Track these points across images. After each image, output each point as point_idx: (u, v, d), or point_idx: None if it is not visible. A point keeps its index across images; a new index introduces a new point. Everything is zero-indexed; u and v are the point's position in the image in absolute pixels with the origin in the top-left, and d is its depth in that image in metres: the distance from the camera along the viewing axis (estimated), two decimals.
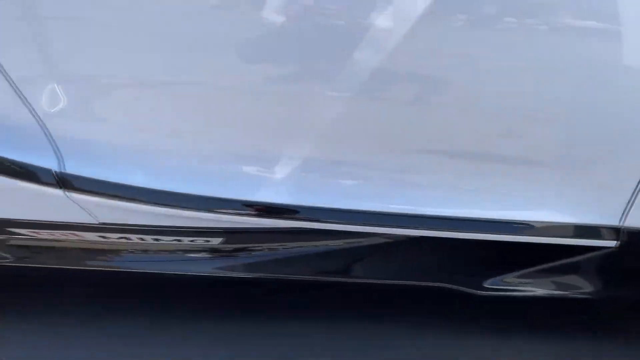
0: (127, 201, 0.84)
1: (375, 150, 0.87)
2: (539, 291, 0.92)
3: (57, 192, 0.83)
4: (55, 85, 0.82)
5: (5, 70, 0.79)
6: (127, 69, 0.82)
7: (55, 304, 1.11)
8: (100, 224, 0.89)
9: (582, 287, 0.93)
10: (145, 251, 0.98)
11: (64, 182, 0.83)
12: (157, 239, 0.95)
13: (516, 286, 0.92)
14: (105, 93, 0.86)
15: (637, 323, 1.07)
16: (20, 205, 0.87)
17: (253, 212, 0.88)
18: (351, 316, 1.09)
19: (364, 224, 0.89)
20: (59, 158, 0.83)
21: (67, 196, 0.84)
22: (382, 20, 0.76)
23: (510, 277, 0.91)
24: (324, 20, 0.77)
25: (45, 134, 0.83)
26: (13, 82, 0.80)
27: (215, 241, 0.96)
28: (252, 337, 1.04)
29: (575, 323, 1.09)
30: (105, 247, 0.98)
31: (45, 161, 0.82)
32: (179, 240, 0.95)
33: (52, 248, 0.98)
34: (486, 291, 0.90)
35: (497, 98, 0.82)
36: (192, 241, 0.96)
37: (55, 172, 0.82)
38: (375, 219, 0.89)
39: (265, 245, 0.98)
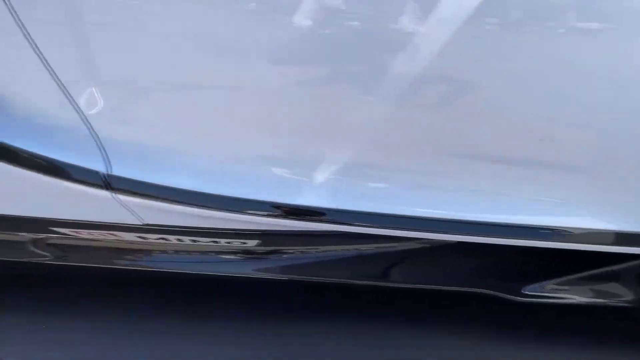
0: (172, 203, 0.85)
1: (406, 153, 0.87)
2: (579, 299, 0.92)
3: (105, 193, 0.84)
4: (102, 88, 0.84)
5: (54, 73, 0.81)
6: (166, 73, 0.83)
7: (76, 302, 1.14)
8: (144, 225, 0.90)
9: (623, 295, 0.92)
10: (177, 252, 0.99)
11: (112, 183, 0.84)
12: (194, 240, 0.96)
13: (556, 293, 0.91)
14: (148, 96, 0.87)
15: None
16: (66, 206, 0.89)
17: (280, 214, 0.88)
18: (352, 317, 1.10)
19: (392, 227, 0.89)
20: (106, 160, 0.84)
21: (115, 198, 0.85)
22: (409, 25, 0.76)
23: (550, 284, 0.91)
24: (353, 24, 0.78)
25: (92, 135, 0.84)
26: (62, 84, 0.81)
27: (251, 243, 0.97)
28: (252, 338, 1.05)
29: (579, 325, 1.09)
30: (143, 247, 0.99)
31: (93, 163, 0.84)
32: (215, 242, 0.96)
33: (90, 247, 0.99)
34: (525, 298, 0.90)
35: (530, 102, 0.81)
36: (228, 243, 0.97)
37: (103, 174, 0.84)
38: (404, 222, 0.88)
39: (298, 248, 0.98)
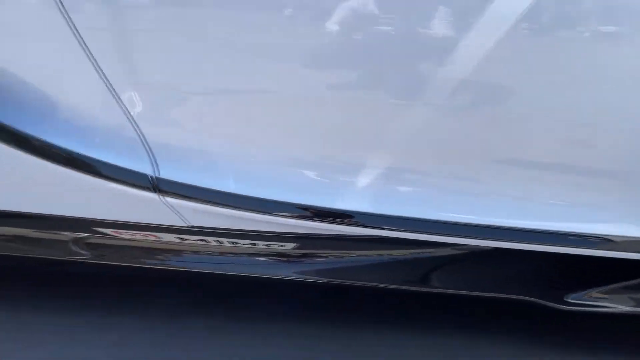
0: (217, 206, 0.86)
1: (438, 158, 0.87)
2: (623, 307, 0.91)
3: (152, 195, 0.86)
4: (150, 92, 0.85)
5: (105, 76, 0.82)
6: (207, 78, 0.84)
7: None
8: (190, 226, 0.91)
9: None
10: (214, 253, 1.00)
11: (160, 186, 0.86)
12: (233, 242, 0.97)
13: (600, 302, 0.91)
14: (192, 101, 0.88)
15: None
16: (113, 207, 0.91)
17: (309, 215, 0.89)
18: (355, 319, 1.11)
19: (421, 232, 0.89)
20: (153, 163, 0.86)
21: (162, 200, 0.86)
22: (447, 30, 0.76)
23: (594, 293, 0.90)
24: (386, 29, 0.77)
25: (140, 138, 0.86)
26: (111, 87, 0.83)
27: (289, 246, 0.98)
28: (254, 340, 1.06)
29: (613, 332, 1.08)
30: (180, 248, 1.00)
31: (141, 165, 0.85)
32: (254, 244, 0.97)
33: (127, 247, 1.01)
34: (569, 306, 0.89)
35: (566, 107, 0.81)
36: (266, 245, 0.97)
37: (152, 176, 0.85)
38: (434, 227, 0.88)
39: (334, 252, 0.99)
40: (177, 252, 1.02)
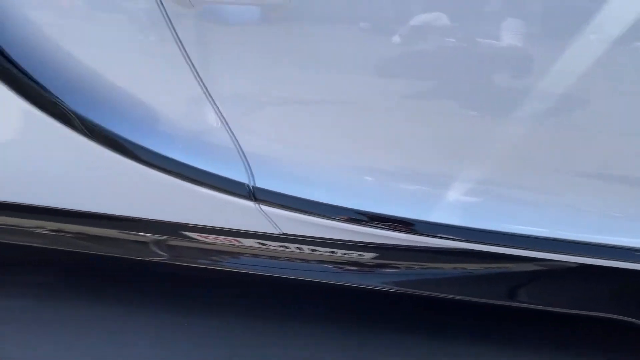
0: (311, 215, 0.88)
1: (506, 168, 0.86)
2: None
3: (249, 204, 0.88)
4: (246, 104, 0.88)
5: (205, 87, 0.85)
6: (297, 90, 0.86)
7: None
8: (281, 234, 0.93)
9: None
10: (291, 259, 1.02)
11: (256, 195, 0.88)
12: (313, 249, 0.99)
13: None
14: (281, 112, 0.89)
15: None
16: (208, 213, 0.94)
17: (367, 221, 0.89)
18: (355, 319, 1.11)
19: (497, 245, 0.88)
20: (249, 171, 0.88)
21: (258, 208, 0.89)
22: (512, 41, 0.75)
23: None
24: (458, 40, 0.77)
25: (236, 148, 0.88)
26: (212, 99, 0.85)
27: (368, 256, 0.98)
28: (255, 340, 1.07)
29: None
30: (259, 252, 1.02)
31: (237, 174, 0.88)
32: (333, 252, 0.99)
33: (207, 250, 1.04)
34: None
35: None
36: (345, 254, 0.99)
37: (250, 185, 0.88)
38: (511, 240, 0.87)
39: (410, 263, 0.99)
40: (237, 255, 1.03)
